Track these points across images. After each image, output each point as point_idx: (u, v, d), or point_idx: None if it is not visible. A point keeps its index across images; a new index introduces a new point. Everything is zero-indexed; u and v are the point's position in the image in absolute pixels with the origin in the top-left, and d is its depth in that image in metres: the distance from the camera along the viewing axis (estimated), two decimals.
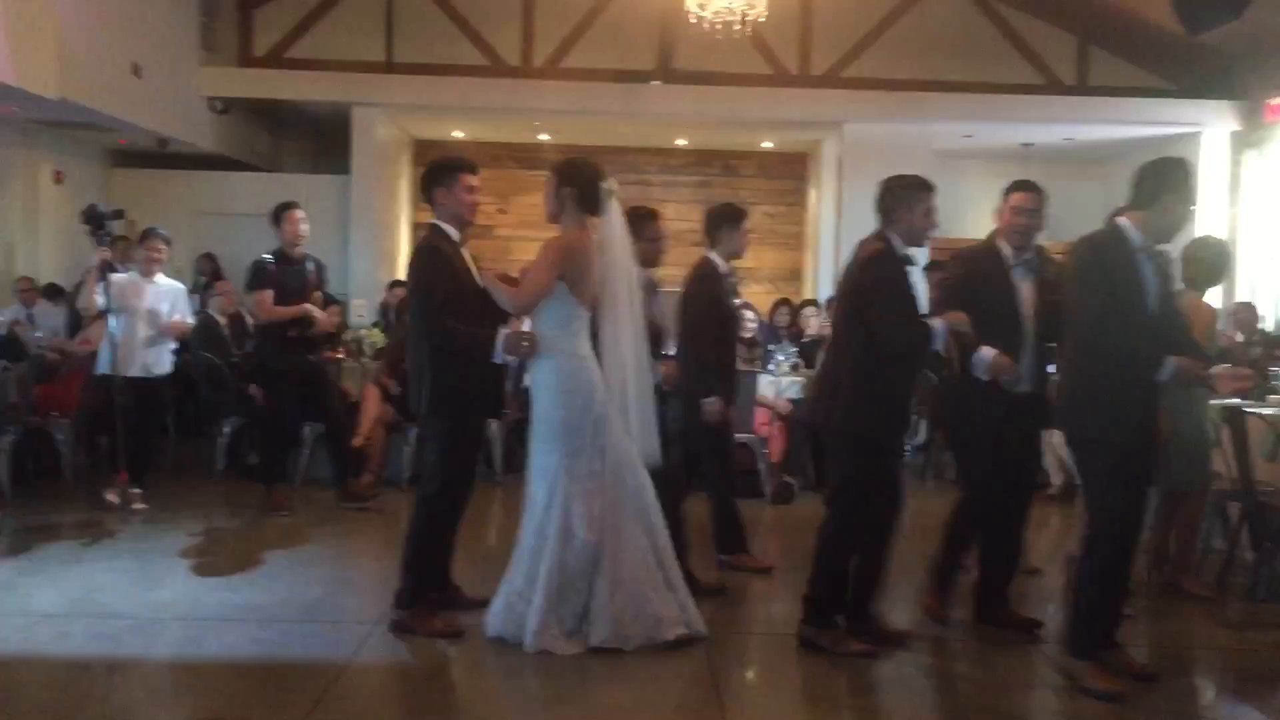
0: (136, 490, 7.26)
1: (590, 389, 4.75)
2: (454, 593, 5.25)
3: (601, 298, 4.79)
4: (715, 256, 6.07)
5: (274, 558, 6.26)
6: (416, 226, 15.05)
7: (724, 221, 6.07)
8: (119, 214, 7.60)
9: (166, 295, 7.51)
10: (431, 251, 4.93)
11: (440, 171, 5.08)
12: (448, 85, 12.57)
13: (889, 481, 4.81)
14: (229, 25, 12.99)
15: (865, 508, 4.75)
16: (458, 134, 14.62)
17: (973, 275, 5.19)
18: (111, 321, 7.18)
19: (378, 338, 8.85)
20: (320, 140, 14.41)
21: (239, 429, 8.49)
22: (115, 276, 7.25)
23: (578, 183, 4.81)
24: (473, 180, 5.07)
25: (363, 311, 11.88)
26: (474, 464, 5.15)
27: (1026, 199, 5.32)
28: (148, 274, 7.45)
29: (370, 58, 12.95)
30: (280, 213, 7.32)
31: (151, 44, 11.03)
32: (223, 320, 8.75)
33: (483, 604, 5.03)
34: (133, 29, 10.65)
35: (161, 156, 12.94)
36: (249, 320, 9.15)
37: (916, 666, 4.77)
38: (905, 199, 4.91)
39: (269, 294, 7.21)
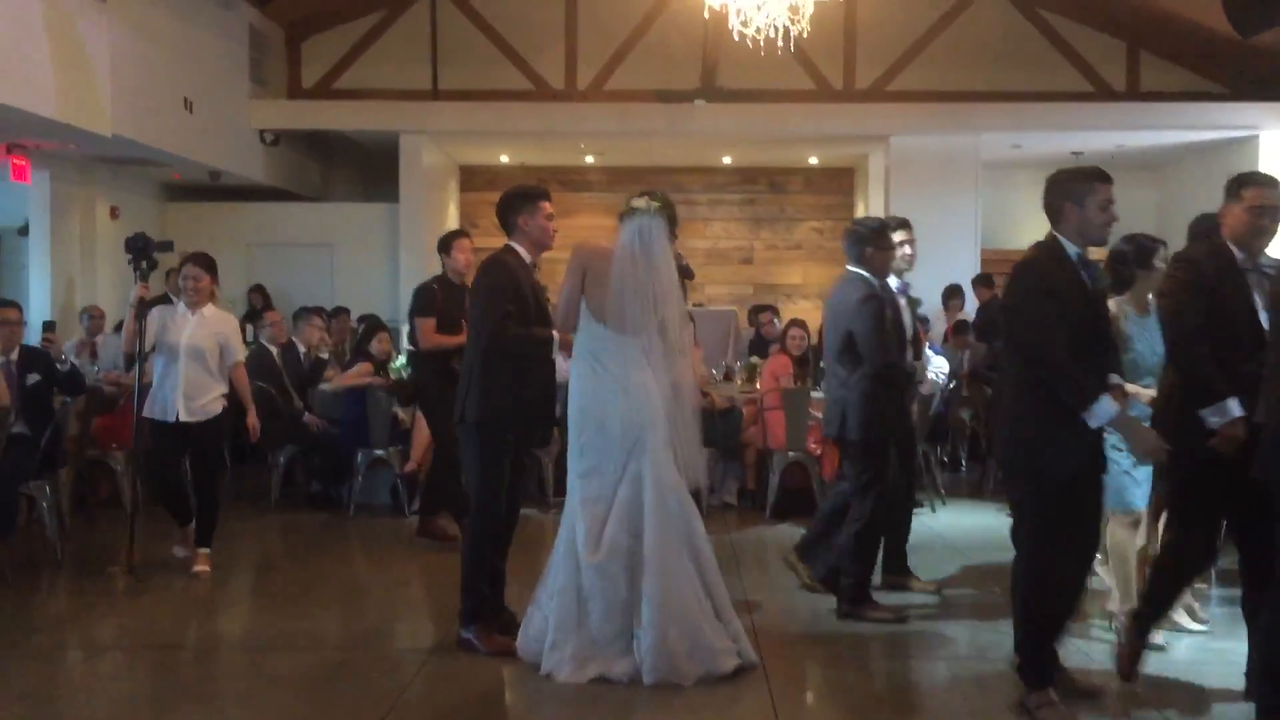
0: (203, 550, 6.53)
1: (606, 411, 4.68)
2: (509, 618, 5.24)
3: (621, 317, 4.70)
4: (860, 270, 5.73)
5: (329, 585, 6.28)
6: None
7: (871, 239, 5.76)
8: (167, 246, 6.83)
9: (214, 330, 6.56)
10: (498, 263, 5.04)
11: (520, 199, 5.16)
12: (493, 110, 12.66)
13: (1082, 515, 4.23)
14: (278, 58, 13.18)
15: (1058, 546, 4.18)
16: (504, 158, 14.71)
17: (1202, 280, 4.40)
18: (157, 362, 6.54)
19: None
20: (369, 169, 14.57)
21: (293, 457, 8.55)
22: (155, 311, 6.58)
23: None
24: (550, 207, 5.19)
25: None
26: (512, 485, 5.08)
27: (1266, 194, 4.40)
28: (194, 305, 6.57)
29: (416, 86, 13.07)
30: (449, 241, 7.23)
31: (202, 79, 11.21)
32: (274, 349, 8.83)
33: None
34: (183, 65, 10.83)
35: (214, 189, 13.14)
36: (301, 349, 9.23)
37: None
38: (1073, 193, 4.26)
39: (432, 321, 7.01)
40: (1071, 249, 4.19)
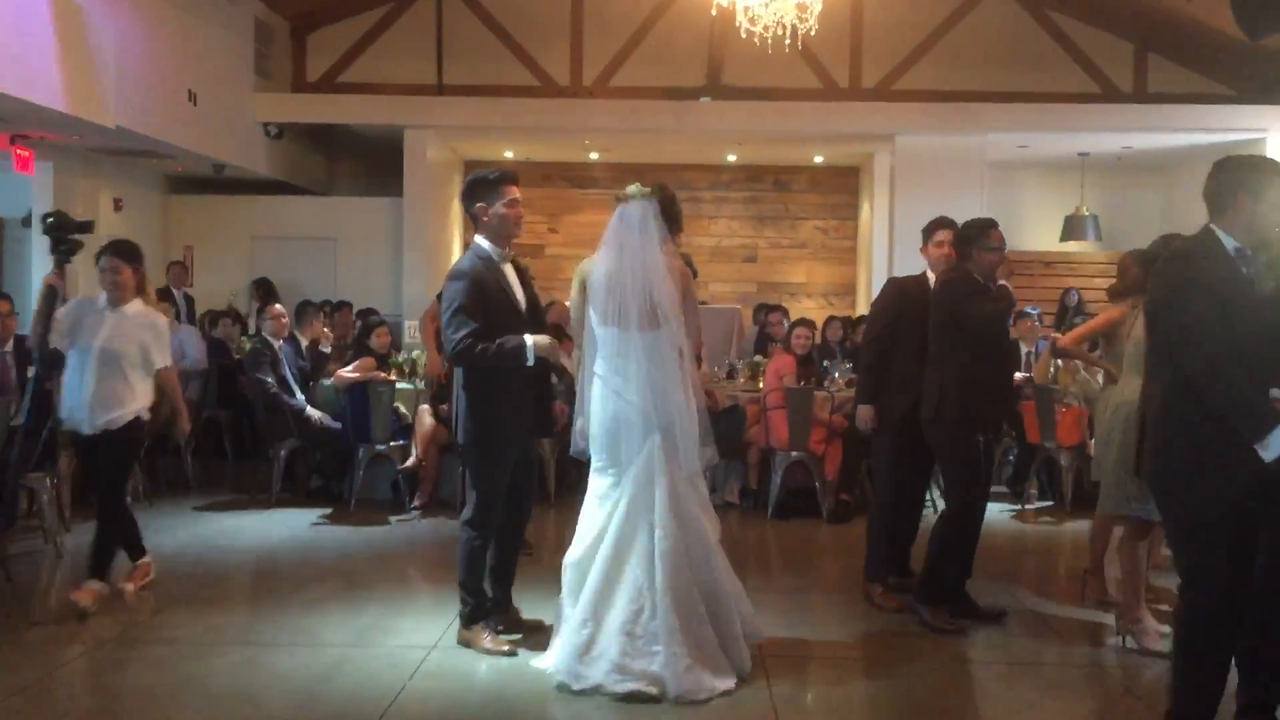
0: (91, 583, 5.54)
1: (600, 409, 4.63)
2: (515, 614, 5.24)
3: (621, 312, 4.59)
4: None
5: (329, 581, 6.26)
6: (469, 247, 15.13)
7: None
8: (87, 226, 5.60)
9: (136, 332, 5.65)
10: (457, 275, 4.84)
11: (480, 186, 4.91)
12: (498, 106, 12.64)
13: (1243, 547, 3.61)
14: (283, 51, 13.17)
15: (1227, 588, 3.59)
16: (508, 154, 14.69)
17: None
18: (68, 363, 5.69)
19: None
20: (373, 163, 14.56)
21: (294, 452, 8.53)
22: (73, 304, 5.82)
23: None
24: (515, 191, 4.91)
25: (414, 333, 11.93)
26: (519, 486, 5.06)
27: None
28: (115, 302, 5.68)
29: (421, 80, 13.06)
30: None
31: (207, 72, 11.19)
32: (276, 343, 8.80)
33: (537, 626, 5.11)
34: (188, 57, 10.82)
35: (218, 182, 13.13)
36: (303, 343, 9.21)
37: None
38: (1249, 184, 3.71)
39: None
40: (1230, 243, 3.70)
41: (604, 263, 4.62)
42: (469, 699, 4.50)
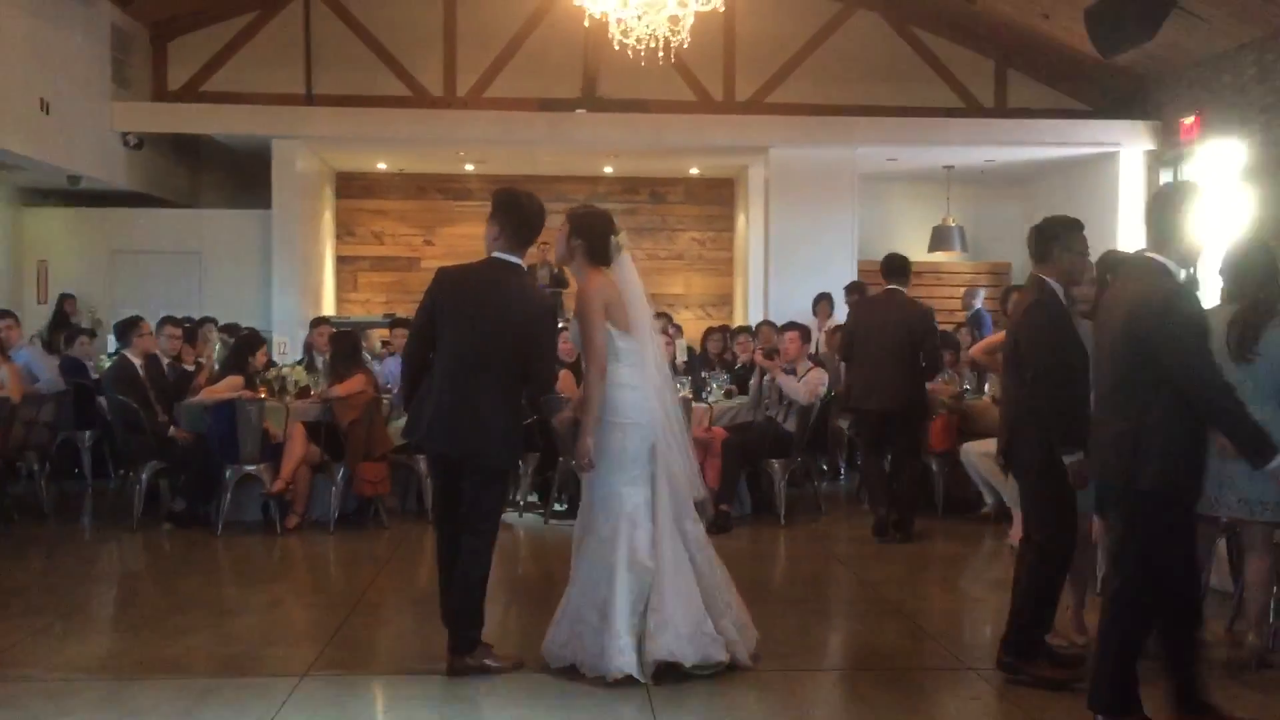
0: None
1: (640, 417, 4.82)
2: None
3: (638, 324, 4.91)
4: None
5: (193, 610, 6.00)
6: (340, 260, 14.83)
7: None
8: None
9: None
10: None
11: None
12: (370, 117, 12.41)
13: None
14: (142, 59, 12.72)
15: (1159, 582, 3.97)
16: (381, 165, 14.46)
17: None
18: None
19: (301, 376, 8.60)
20: (240, 175, 14.15)
21: (157, 474, 8.18)
22: None
23: (587, 236, 4.92)
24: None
25: (284, 349, 11.60)
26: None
27: None
28: None
29: (290, 89, 12.75)
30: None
31: (61, 79, 10.73)
32: (138, 361, 8.44)
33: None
34: (40, 64, 10.35)
35: (74, 194, 12.59)
36: (164, 361, 8.87)
37: None
38: (1185, 210, 4.04)
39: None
40: (1180, 272, 3.99)
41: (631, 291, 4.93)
42: None
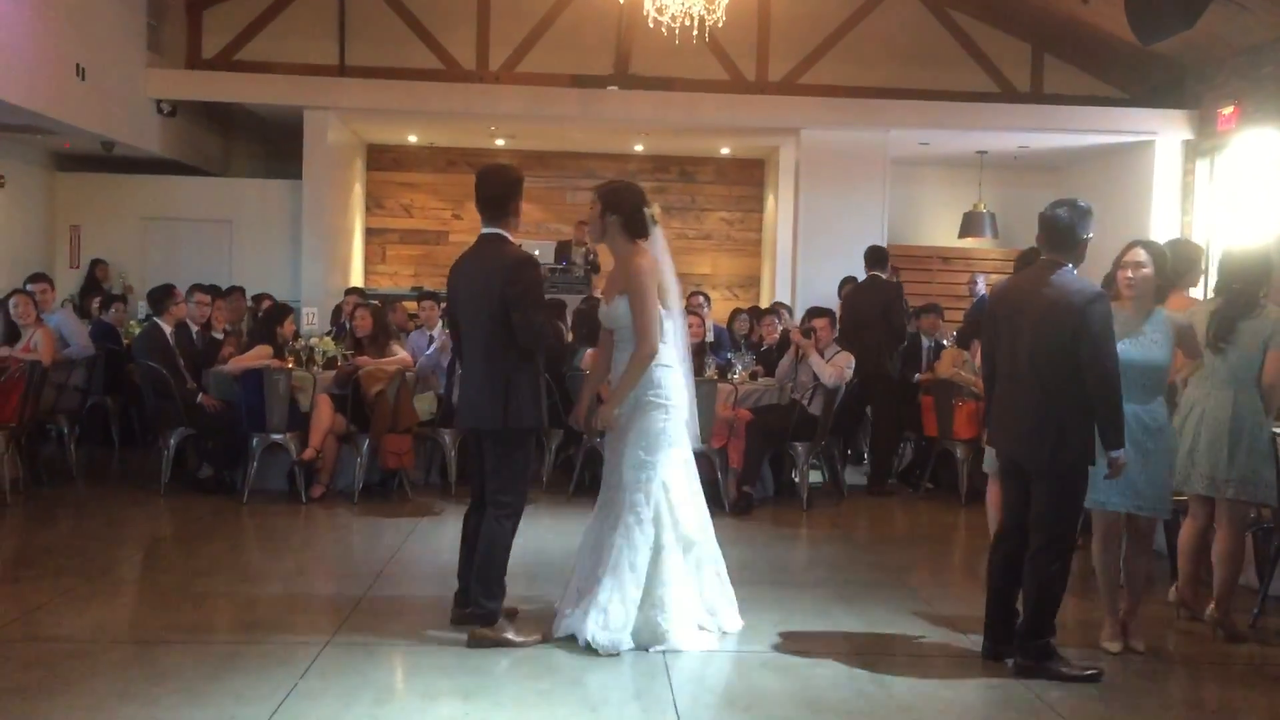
0: None
1: (678, 399, 4.95)
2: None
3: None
4: None
5: (218, 575, 6.08)
6: (369, 232, 14.87)
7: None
8: None
9: None
10: (535, 264, 5.06)
11: (520, 184, 5.08)
12: (402, 89, 12.40)
13: None
14: (177, 27, 12.75)
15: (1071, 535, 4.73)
16: (412, 138, 14.46)
17: None
18: None
19: (329, 346, 8.65)
20: (271, 144, 14.20)
21: (185, 440, 8.27)
22: None
23: (620, 210, 4.94)
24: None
25: (313, 319, 11.66)
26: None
27: None
28: None
29: (323, 60, 12.76)
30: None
31: (96, 46, 10.77)
32: (168, 328, 8.51)
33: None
34: (76, 30, 10.40)
35: (108, 160, 12.66)
36: (193, 329, 8.94)
37: None
38: (1089, 226, 4.75)
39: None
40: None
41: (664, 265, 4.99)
42: (363, 695, 4.40)
